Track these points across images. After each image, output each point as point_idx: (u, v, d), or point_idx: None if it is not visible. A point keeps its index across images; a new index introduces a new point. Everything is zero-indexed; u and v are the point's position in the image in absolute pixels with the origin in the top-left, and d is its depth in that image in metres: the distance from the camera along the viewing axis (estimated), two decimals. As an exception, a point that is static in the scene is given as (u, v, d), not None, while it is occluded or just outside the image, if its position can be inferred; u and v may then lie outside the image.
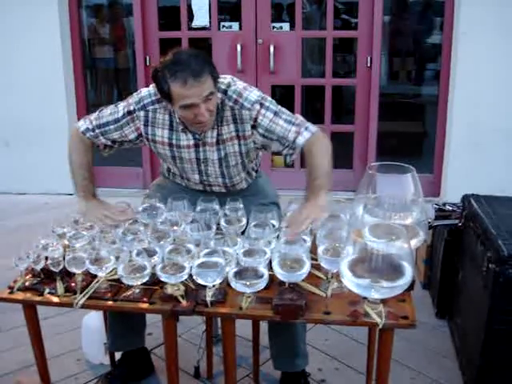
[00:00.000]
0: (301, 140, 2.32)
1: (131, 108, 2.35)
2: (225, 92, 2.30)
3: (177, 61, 2.11)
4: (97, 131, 2.41)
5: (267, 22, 4.91)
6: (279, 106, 2.36)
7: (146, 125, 2.36)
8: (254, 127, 2.32)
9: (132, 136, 2.40)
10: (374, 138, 4.92)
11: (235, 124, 2.32)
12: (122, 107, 2.38)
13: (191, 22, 5.07)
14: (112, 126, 2.39)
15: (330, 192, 2.21)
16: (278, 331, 2.36)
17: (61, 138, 5.12)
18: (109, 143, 2.45)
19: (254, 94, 2.32)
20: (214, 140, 2.35)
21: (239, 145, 2.37)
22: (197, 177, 2.47)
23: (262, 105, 2.31)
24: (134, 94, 2.40)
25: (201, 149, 2.37)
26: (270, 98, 2.37)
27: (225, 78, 2.33)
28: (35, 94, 5.07)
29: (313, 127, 2.36)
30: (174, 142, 2.37)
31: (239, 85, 2.34)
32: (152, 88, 2.33)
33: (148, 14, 4.99)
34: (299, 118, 2.38)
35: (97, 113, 2.45)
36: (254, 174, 2.59)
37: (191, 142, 2.36)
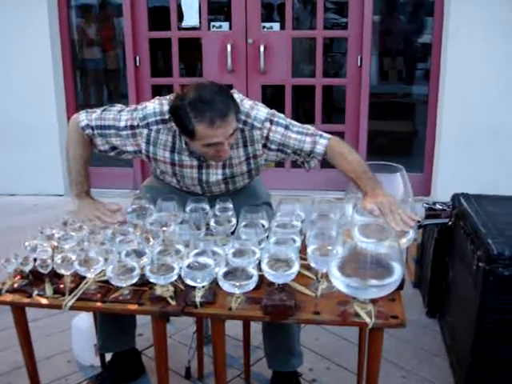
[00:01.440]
0: (320, 148, 2.28)
1: (135, 123, 2.28)
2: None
3: (202, 99, 2.03)
4: (95, 132, 2.35)
5: (257, 21, 4.91)
6: (288, 119, 2.32)
7: (147, 143, 2.30)
8: (265, 146, 2.29)
9: (130, 149, 2.35)
10: (365, 138, 4.93)
11: (245, 147, 2.29)
12: (124, 118, 2.30)
13: (181, 22, 5.06)
14: (112, 131, 2.33)
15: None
16: (273, 331, 2.35)
17: (50, 139, 5.13)
18: (106, 147, 2.40)
19: (262, 111, 2.27)
20: (220, 164, 2.32)
21: (247, 164, 2.35)
22: (198, 188, 2.45)
23: (271, 121, 2.27)
24: (139, 106, 2.33)
25: (204, 170, 2.35)
26: (277, 113, 2.32)
27: None
28: (25, 94, 5.05)
29: (326, 134, 2.33)
30: (176, 162, 2.33)
31: (245, 104, 2.27)
32: (158, 106, 2.27)
33: (138, 14, 4.98)
34: (311, 128, 2.34)
35: (100, 112, 2.37)
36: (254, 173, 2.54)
37: (194, 163, 2.33)
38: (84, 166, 2.43)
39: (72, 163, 2.42)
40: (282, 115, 2.33)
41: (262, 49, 4.86)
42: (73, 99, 5.29)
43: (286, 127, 2.28)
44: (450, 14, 4.44)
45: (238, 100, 2.22)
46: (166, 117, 2.22)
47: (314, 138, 2.29)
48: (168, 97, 2.27)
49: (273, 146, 2.29)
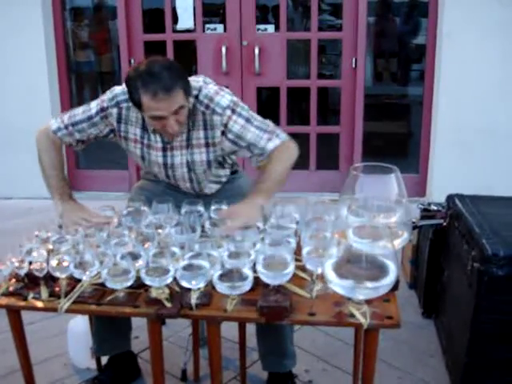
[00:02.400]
0: (270, 146, 2.34)
1: (104, 105, 2.37)
2: (196, 97, 2.30)
3: (150, 72, 2.11)
4: (70, 128, 2.42)
5: (252, 23, 4.92)
6: (251, 112, 2.37)
7: (119, 122, 2.37)
8: (223, 133, 2.33)
9: (106, 131, 2.42)
10: (360, 139, 4.94)
11: (205, 130, 2.34)
12: (95, 105, 2.39)
13: (176, 25, 5.07)
14: (85, 124, 2.40)
15: (271, 199, 2.26)
16: (266, 332, 2.36)
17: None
18: (84, 138, 2.45)
19: (225, 98, 2.33)
20: (184, 144, 2.37)
21: (207, 152, 2.38)
22: (166, 180, 2.49)
23: (233, 111, 2.32)
24: (108, 91, 2.41)
25: (168, 153, 2.39)
26: (241, 104, 2.37)
27: (197, 82, 2.34)
28: (19, 98, 5.05)
29: (283, 134, 2.39)
30: (145, 141, 2.39)
31: (210, 89, 2.34)
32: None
33: (132, 16, 4.99)
34: (270, 124, 2.40)
35: (68, 113, 2.46)
36: (223, 179, 2.58)
37: (159, 145, 2.38)
38: (61, 170, 2.46)
39: (49, 171, 2.44)
40: (245, 106, 2.38)
41: (256, 51, 4.87)
42: (67, 102, 5.29)
43: (247, 120, 2.34)
44: (444, 15, 4.45)
45: (202, 83, 2.34)
46: None
47: (270, 136, 2.35)
48: None
49: (230, 136, 2.34)
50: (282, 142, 2.36)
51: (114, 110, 2.35)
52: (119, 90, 2.37)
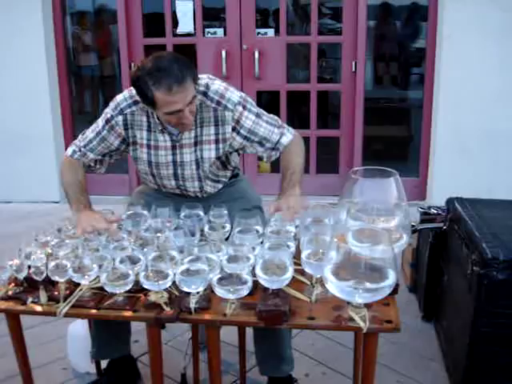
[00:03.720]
0: (285, 140, 2.44)
1: (108, 116, 2.38)
2: (204, 93, 2.32)
3: (159, 67, 2.11)
4: (83, 150, 2.45)
5: (252, 27, 4.93)
6: (258, 108, 2.43)
7: (126, 128, 2.38)
8: (234, 129, 2.36)
9: (116, 143, 2.43)
10: (360, 143, 4.94)
11: (216, 126, 2.36)
12: (100, 120, 2.42)
13: (176, 29, 5.07)
14: (95, 142, 2.43)
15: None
16: (263, 336, 2.35)
17: (46, 145, 5.14)
18: (99, 157, 2.48)
19: (235, 94, 2.36)
20: (192, 141, 2.38)
21: (216, 149, 2.40)
22: (173, 182, 2.48)
23: (244, 106, 2.35)
24: (110, 103, 2.42)
25: (177, 151, 2.39)
26: (250, 99, 2.41)
27: (202, 79, 2.34)
28: (20, 102, 5.05)
29: (291, 129, 2.50)
30: (151, 143, 2.39)
31: (219, 85, 2.36)
32: (127, 92, 2.37)
33: (132, 20, 5.00)
34: (278, 119, 2.47)
35: (80, 135, 2.49)
36: (225, 179, 2.59)
37: (168, 144, 2.38)
38: (78, 185, 2.43)
39: (67, 188, 2.44)
40: (252, 102, 2.43)
41: (256, 55, 4.88)
42: (68, 106, 5.30)
43: (258, 115, 2.40)
44: (444, 19, 4.46)
45: (207, 79, 2.36)
46: (137, 97, 2.27)
47: (281, 130, 2.45)
48: None
49: (242, 131, 2.37)
50: (293, 136, 2.47)
51: (120, 118, 2.36)
52: (120, 97, 2.38)
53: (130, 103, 2.34)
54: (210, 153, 2.40)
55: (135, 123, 2.37)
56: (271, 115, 2.48)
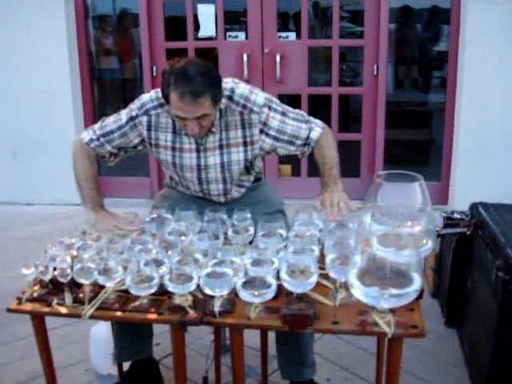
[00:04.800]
0: (315, 135, 2.44)
1: (133, 114, 2.39)
2: (230, 97, 2.32)
3: (185, 72, 2.12)
4: (101, 140, 2.45)
5: (273, 31, 4.93)
6: (283, 105, 2.43)
7: (149, 129, 2.38)
8: (262, 131, 2.37)
9: (136, 141, 2.44)
10: (381, 146, 4.92)
11: (243, 129, 2.36)
12: (124, 114, 2.42)
13: (197, 33, 5.09)
14: (116, 134, 2.43)
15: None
16: (285, 340, 2.35)
17: (68, 148, 5.07)
18: (114, 151, 2.49)
19: (260, 96, 2.37)
20: (217, 144, 2.38)
21: (245, 151, 2.40)
22: (197, 186, 2.49)
23: (269, 107, 2.36)
24: (136, 100, 2.42)
25: (202, 154, 2.40)
26: (274, 99, 2.42)
27: (227, 83, 2.35)
28: (42, 104, 5.10)
29: (318, 121, 2.51)
30: (176, 145, 2.39)
31: (244, 88, 2.37)
32: (153, 93, 2.38)
33: (154, 24, 5.02)
34: (304, 114, 2.48)
35: (99, 123, 2.48)
36: (247, 184, 2.59)
37: (193, 146, 2.39)
38: (94, 181, 2.48)
39: (82, 182, 2.48)
40: (277, 101, 2.43)
41: (278, 58, 4.88)
42: (90, 109, 5.34)
43: (283, 114, 2.40)
44: (467, 22, 4.43)
45: (232, 83, 2.36)
46: (163, 100, 2.29)
47: (309, 125, 2.44)
48: None
49: (271, 132, 2.38)
50: (322, 129, 2.47)
51: (144, 118, 2.37)
52: (147, 97, 2.39)
53: (155, 105, 2.35)
54: (238, 155, 2.40)
55: (160, 125, 2.38)
56: (297, 110, 2.48)
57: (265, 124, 2.36)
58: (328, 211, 2.17)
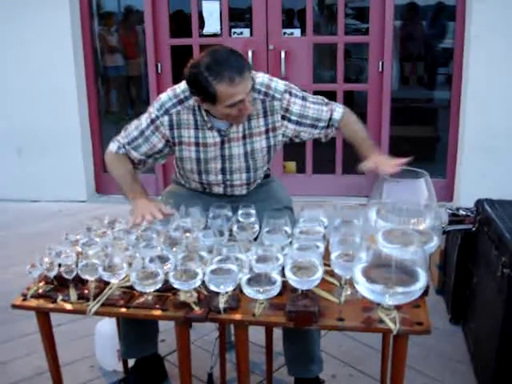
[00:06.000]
0: (337, 115, 2.48)
1: (153, 116, 2.37)
2: (251, 86, 2.28)
3: (218, 60, 2.12)
4: (127, 147, 2.45)
5: (278, 27, 4.93)
6: (302, 91, 2.46)
7: (171, 129, 2.37)
8: (284, 117, 2.39)
9: (160, 145, 2.43)
10: (387, 143, 4.91)
11: (265, 118, 2.38)
12: (144, 118, 2.41)
13: (202, 29, 5.09)
14: (140, 140, 2.42)
15: None
16: (293, 336, 2.35)
17: (73, 145, 5.18)
18: (143, 158, 2.47)
19: (280, 83, 2.40)
20: (240, 135, 2.39)
21: (267, 138, 2.42)
22: (220, 177, 2.48)
23: (290, 93, 2.39)
24: (154, 102, 2.42)
25: (226, 145, 2.40)
26: (293, 85, 2.44)
27: None
28: (48, 102, 5.10)
29: (339, 103, 2.56)
30: (200, 140, 2.38)
31: (263, 76, 2.39)
32: (170, 92, 2.37)
33: (159, 21, 5.02)
34: (323, 98, 2.51)
35: (122, 132, 2.48)
36: (260, 180, 2.60)
37: (217, 140, 2.39)
38: (130, 176, 2.47)
39: (120, 180, 2.49)
40: (296, 87, 2.45)
41: (283, 55, 4.87)
42: (95, 106, 5.34)
43: (303, 98, 2.43)
44: (473, 18, 4.41)
45: (254, 74, 2.32)
46: (182, 97, 2.33)
47: (330, 107, 2.48)
48: (177, 85, 2.39)
49: (293, 117, 2.41)
50: (343, 109, 2.52)
51: (165, 118, 2.36)
52: (165, 97, 2.37)
53: (174, 103, 2.34)
54: (261, 143, 2.42)
55: (181, 122, 2.36)
56: (316, 95, 2.51)
57: (286, 110, 2.39)
58: (386, 165, 2.17)
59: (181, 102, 2.34)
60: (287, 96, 2.38)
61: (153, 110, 2.38)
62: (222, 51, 2.17)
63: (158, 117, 2.36)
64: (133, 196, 2.42)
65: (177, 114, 2.35)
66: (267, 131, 2.41)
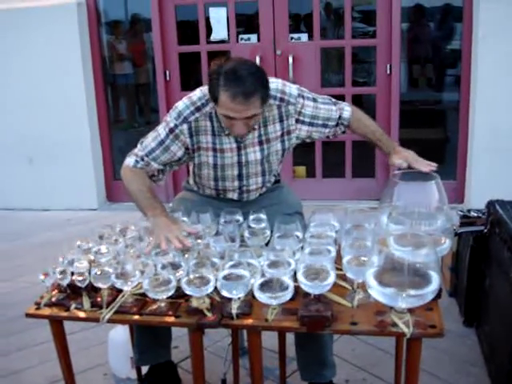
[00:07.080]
0: (346, 114, 2.54)
1: (171, 125, 2.37)
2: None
3: (235, 72, 2.13)
4: (146, 159, 2.42)
5: (285, 33, 4.94)
6: (311, 92, 2.50)
7: (191, 136, 2.37)
8: (297, 121, 2.44)
9: (180, 153, 2.42)
10: (396, 146, 4.89)
11: (281, 122, 2.42)
12: (162, 128, 2.40)
13: (210, 36, 5.10)
14: (158, 151, 2.40)
15: None
16: (305, 342, 2.35)
17: (84, 153, 5.21)
18: (161, 167, 2.46)
19: (293, 88, 2.44)
20: (256, 140, 2.41)
21: (282, 142, 2.46)
22: (236, 183, 2.49)
23: (303, 97, 2.44)
24: (170, 111, 2.41)
25: (242, 151, 2.42)
26: (302, 87, 2.48)
27: None
28: (57, 110, 5.14)
29: (346, 103, 2.62)
30: (217, 146, 2.40)
31: (276, 82, 2.41)
32: (187, 100, 2.38)
33: (167, 28, 5.05)
34: (331, 98, 2.57)
35: (138, 145, 2.46)
36: (270, 185, 2.62)
37: (234, 146, 2.40)
38: (148, 191, 2.39)
39: (137, 195, 2.39)
40: (305, 89, 2.50)
41: (290, 60, 4.88)
42: (104, 114, 5.37)
43: (314, 100, 2.47)
44: (479, 19, 4.40)
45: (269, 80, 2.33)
46: (199, 104, 2.35)
47: (338, 106, 2.54)
48: (192, 92, 2.41)
49: (306, 119, 2.46)
50: (351, 107, 2.57)
51: (185, 127, 2.36)
52: (182, 105, 2.37)
53: (192, 110, 2.35)
54: (276, 147, 2.45)
55: (200, 129, 2.37)
56: (323, 96, 2.55)
57: (300, 113, 2.43)
58: (420, 163, 2.29)
59: (198, 109, 2.35)
60: (301, 100, 2.41)
61: (170, 120, 2.37)
62: (247, 67, 2.17)
63: (176, 125, 2.36)
64: (152, 213, 2.31)
65: (195, 122, 2.36)
66: (282, 135, 2.44)
